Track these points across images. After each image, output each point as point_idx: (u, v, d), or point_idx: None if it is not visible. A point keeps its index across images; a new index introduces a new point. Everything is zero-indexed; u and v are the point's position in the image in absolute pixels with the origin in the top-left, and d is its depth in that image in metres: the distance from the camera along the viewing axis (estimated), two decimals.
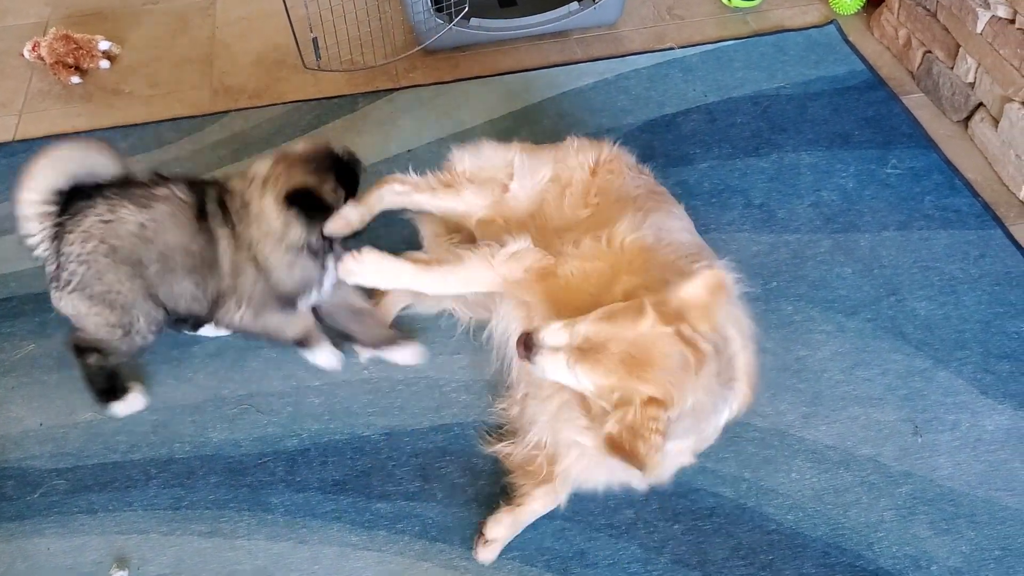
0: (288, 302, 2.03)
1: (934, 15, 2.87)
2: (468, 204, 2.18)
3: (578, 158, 2.16)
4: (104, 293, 1.93)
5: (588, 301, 1.75)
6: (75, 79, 3.03)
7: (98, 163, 1.92)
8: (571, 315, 1.70)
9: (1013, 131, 2.59)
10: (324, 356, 2.16)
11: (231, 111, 2.92)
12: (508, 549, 1.91)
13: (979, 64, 2.71)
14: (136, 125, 2.89)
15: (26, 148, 2.68)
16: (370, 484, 2.03)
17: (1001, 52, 2.61)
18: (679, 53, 3.09)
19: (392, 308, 2.29)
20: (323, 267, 2.03)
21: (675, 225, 2.03)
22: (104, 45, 3.11)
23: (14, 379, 2.21)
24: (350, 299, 2.16)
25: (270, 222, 1.93)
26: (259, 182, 1.93)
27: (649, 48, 3.13)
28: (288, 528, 1.96)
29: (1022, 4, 2.51)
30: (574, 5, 3.08)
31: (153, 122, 2.90)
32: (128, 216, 1.89)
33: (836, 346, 2.26)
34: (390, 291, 2.26)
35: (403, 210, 2.28)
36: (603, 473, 1.84)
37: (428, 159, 2.36)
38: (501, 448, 2.01)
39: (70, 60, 3.02)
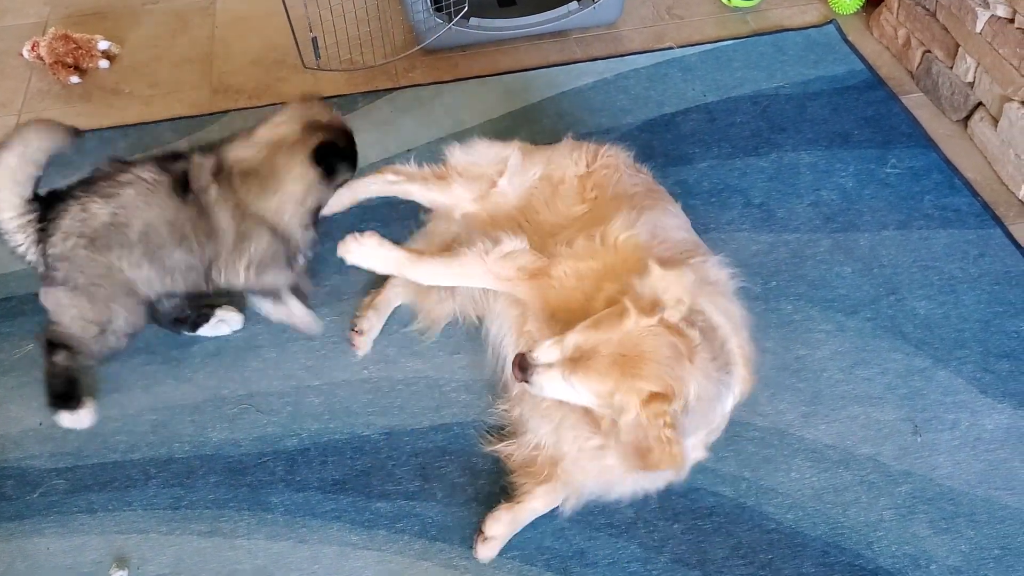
0: (291, 261, 2.10)
1: (933, 15, 2.87)
2: (456, 197, 2.23)
3: (572, 156, 2.18)
4: (86, 285, 1.95)
5: (581, 301, 1.76)
6: (74, 79, 3.03)
7: (41, 148, 1.91)
8: (565, 315, 1.71)
9: (1012, 130, 2.59)
10: (299, 308, 2.20)
11: (231, 111, 2.92)
12: (508, 548, 1.91)
13: (978, 63, 2.71)
14: (136, 125, 2.88)
15: None
16: (370, 484, 2.03)
17: (1000, 51, 2.61)
18: (678, 53, 3.09)
19: (388, 304, 2.29)
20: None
21: (671, 223, 2.04)
22: (104, 45, 3.10)
23: (14, 379, 2.21)
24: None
25: (295, 183, 2.01)
26: (280, 146, 2.01)
27: (648, 48, 3.13)
28: (288, 528, 1.96)
29: (1021, 4, 2.51)
30: (573, 5, 3.08)
31: (153, 122, 2.89)
32: (98, 209, 1.92)
33: (836, 345, 2.26)
34: (388, 286, 2.28)
35: (402, 203, 2.33)
36: (627, 485, 1.84)
37: (428, 159, 2.36)
38: (501, 448, 2.02)
39: (69, 60, 3.02)
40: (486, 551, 1.89)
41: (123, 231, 1.92)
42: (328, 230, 2.49)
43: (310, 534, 1.95)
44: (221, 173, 1.99)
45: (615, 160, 2.18)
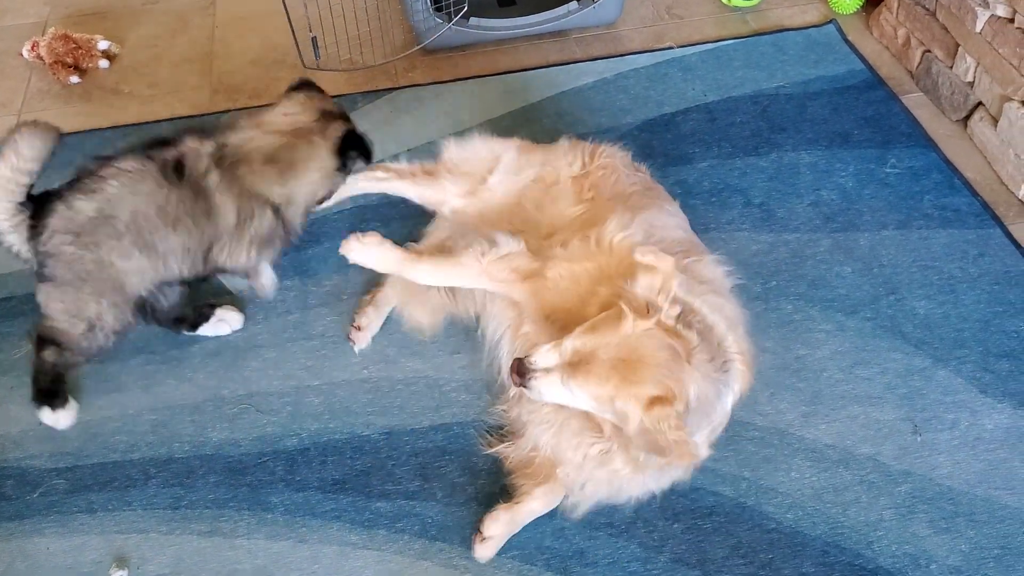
0: (291, 240, 2.15)
1: (933, 14, 2.87)
2: (444, 192, 2.24)
3: (568, 157, 2.18)
4: (73, 280, 1.96)
5: (576, 303, 1.76)
6: (74, 79, 3.03)
7: (33, 156, 1.91)
8: (561, 317, 1.71)
9: (1012, 130, 2.59)
10: (268, 276, 2.22)
11: (231, 110, 2.92)
12: (508, 548, 1.91)
13: (978, 63, 2.71)
14: (135, 125, 2.88)
15: None
16: (370, 483, 2.03)
17: (1000, 51, 2.61)
18: (678, 52, 3.09)
19: (387, 302, 2.29)
20: None
21: (668, 222, 2.04)
22: (103, 44, 3.10)
23: (14, 379, 2.21)
24: None
25: (314, 171, 2.06)
26: (301, 134, 2.05)
27: (648, 47, 3.13)
28: (288, 527, 1.96)
29: (1021, 3, 2.51)
30: (573, 5, 3.08)
31: (152, 122, 2.89)
32: (83, 205, 1.93)
33: (835, 345, 2.26)
34: (387, 284, 2.28)
35: (402, 203, 2.35)
36: (635, 486, 1.84)
37: (427, 158, 2.36)
38: (501, 448, 2.02)
39: (69, 60, 3.02)
40: (484, 551, 1.89)
41: (111, 223, 1.93)
42: (329, 230, 2.50)
43: (310, 534, 1.95)
44: (223, 158, 2.00)
45: (613, 160, 2.18)
